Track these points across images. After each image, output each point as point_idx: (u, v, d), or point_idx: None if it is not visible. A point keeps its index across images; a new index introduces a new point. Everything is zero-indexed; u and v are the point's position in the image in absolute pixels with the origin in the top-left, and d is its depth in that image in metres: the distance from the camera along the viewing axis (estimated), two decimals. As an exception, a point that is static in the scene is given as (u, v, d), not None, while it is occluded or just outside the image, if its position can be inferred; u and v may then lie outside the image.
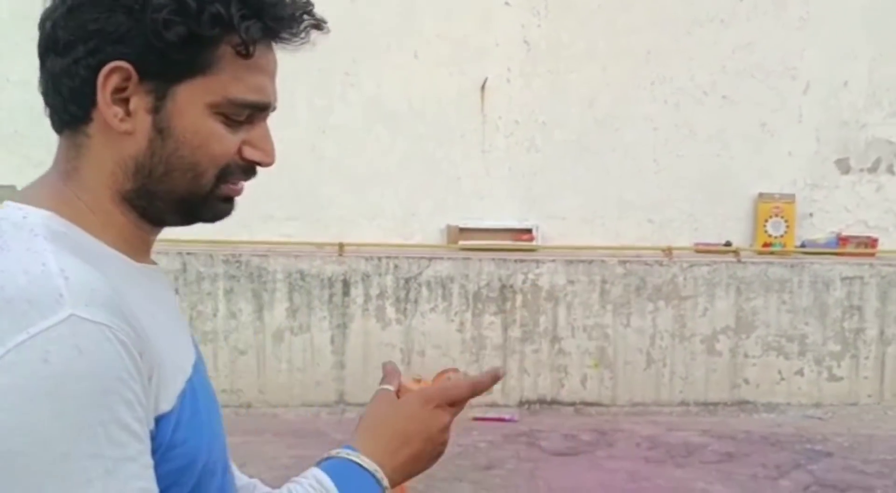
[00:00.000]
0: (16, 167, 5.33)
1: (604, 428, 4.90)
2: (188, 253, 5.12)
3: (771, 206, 5.50)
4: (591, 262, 5.33)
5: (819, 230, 5.63)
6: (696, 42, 5.59)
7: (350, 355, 5.23)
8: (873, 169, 5.68)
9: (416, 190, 5.51)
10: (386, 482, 0.89)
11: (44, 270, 0.69)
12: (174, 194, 0.83)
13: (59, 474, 0.65)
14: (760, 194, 5.54)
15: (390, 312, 5.23)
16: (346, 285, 5.22)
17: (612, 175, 5.56)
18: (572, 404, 5.28)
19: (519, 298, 5.29)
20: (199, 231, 5.09)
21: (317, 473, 0.88)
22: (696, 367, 5.37)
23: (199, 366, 0.87)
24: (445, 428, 0.94)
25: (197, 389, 0.82)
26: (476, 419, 4.91)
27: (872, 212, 5.67)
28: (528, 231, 5.43)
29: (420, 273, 5.24)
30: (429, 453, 0.94)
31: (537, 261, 5.32)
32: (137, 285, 0.80)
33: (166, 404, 0.75)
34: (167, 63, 0.78)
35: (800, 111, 5.64)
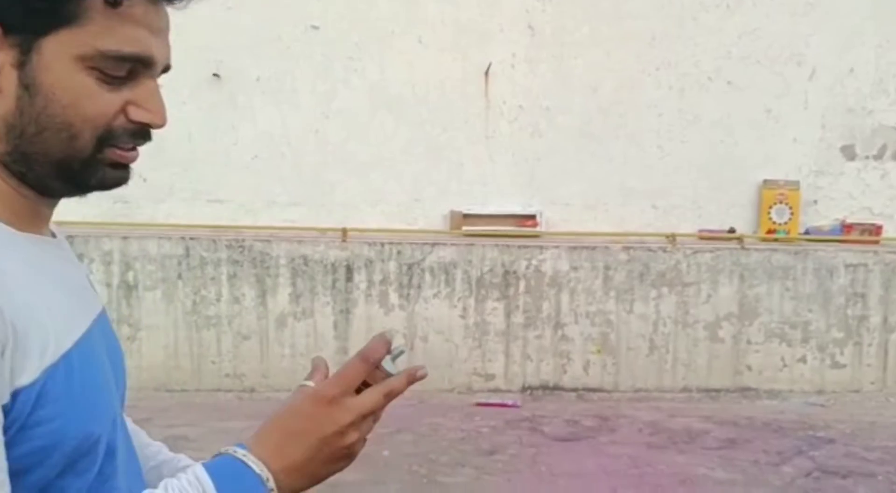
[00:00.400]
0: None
1: (606, 414, 4.91)
2: (191, 238, 5.12)
3: (775, 192, 5.49)
4: (594, 248, 5.32)
5: (823, 217, 5.61)
6: (702, 28, 5.56)
7: (353, 341, 5.24)
8: (879, 156, 5.66)
9: (420, 175, 5.50)
10: (272, 484, 0.80)
11: None
12: (50, 157, 0.78)
13: None
14: (765, 181, 5.52)
15: (393, 297, 5.23)
16: (349, 270, 5.22)
17: (616, 161, 5.54)
18: (575, 389, 5.29)
19: (522, 284, 5.29)
20: (202, 216, 5.08)
21: (197, 469, 0.80)
22: (698, 353, 5.38)
23: (89, 341, 0.81)
24: (343, 430, 0.83)
25: (76, 365, 0.77)
26: (479, 404, 4.92)
27: (877, 199, 5.65)
28: (532, 217, 5.42)
29: (423, 259, 5.24)
30: (327, 455, 0.83)
31: (541, 247, 5.32)
32: (14, 255, 0.77)
33: (26, 378, 0.71)
34: (30, 14, 0.73)
35: (805, 97, 5.61)
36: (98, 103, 0.78)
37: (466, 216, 5.39)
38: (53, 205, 0.87)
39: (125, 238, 5.12)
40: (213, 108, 5.35)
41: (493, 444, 4.22)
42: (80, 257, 5.09)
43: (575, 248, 5.33)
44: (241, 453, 0.81)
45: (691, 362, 5.37)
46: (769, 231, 5.51)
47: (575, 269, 5.31)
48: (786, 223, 5.50)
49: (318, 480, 0.84)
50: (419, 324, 5.25)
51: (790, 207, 5.49)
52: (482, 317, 5.27)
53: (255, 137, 5.36)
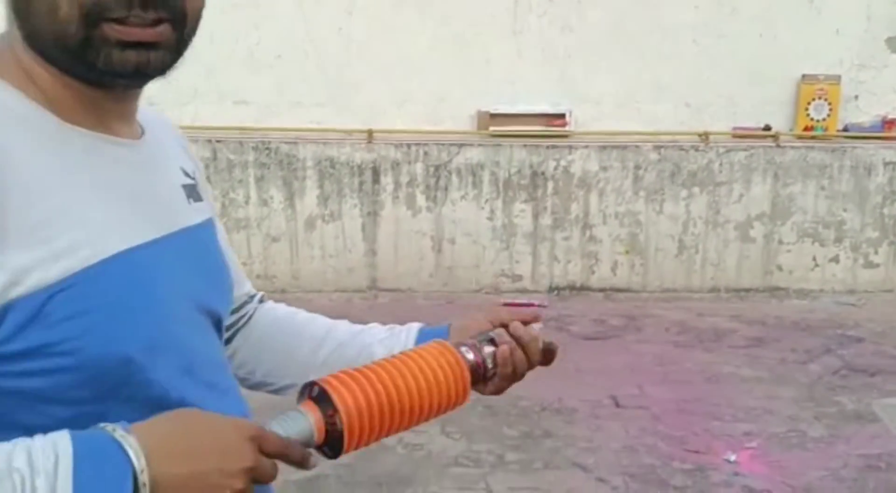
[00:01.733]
0: None
1: (633, 314, 4.93)
2: (218, 140, 5.10)
3: (814, 88, 5.29)
4: (625, 147, 5.22)
5: (864, 113, 5.42)
6: (744, -89, 5.24)
7: (381, 243, 5.27)
8: (926, 48, 5.40)
9: (446, 74, 5.36)
10: (146, 477, 0.62)
11: None
12: (45, 37, 0.70)
13: None
14: (804, 76, 5.31)
15: (420, 199, 5.21)
16: (375, 172, 5.19)
17: (649, 57, 5.35)
18: (602, 290, 5.31)
19: (550, 185, 5.23)
20: (228, 118, 5.05)
21: (60, 437, 0.63)
22: (728, 254, 5.33)
23: (146, 253, 0.74)
24: (242, 471, 0.67)
25: (111, 276, 0.70)
26: (505, 303, 4.97)
27: (922, 94, 5.43)
28: (561, 116, 5.30)
29: (450, 160, 5.18)
30: (210, 483, 0.66)
31: (570, 147, 5.22)
32: (54, 148, 0.71)
33: (20, 286, 0.65)
34: None
35: (851, -14, 5.33)
36: None
37: (494, 116, 5.28)
38: (121, 100, 0.78)
39: (152, 142, 5.11)
40: (234, 7, 5.21)
41: (520, 343, 4.28)
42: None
43: (605, 147, 5.22)
44: (124, 433, 0.64)
45: (721, 262, 5.34)
46: (806, 128, 5.34)
47: (604, 169, 5.22)
48: (824, 120, 5.32)
49: None
50: (446, 226, 5.25)
51: (829, 103, 5.30)
52: (510, 219, 5.25)
53: (277, 37, 5.23)
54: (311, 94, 5.32)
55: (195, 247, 0.84)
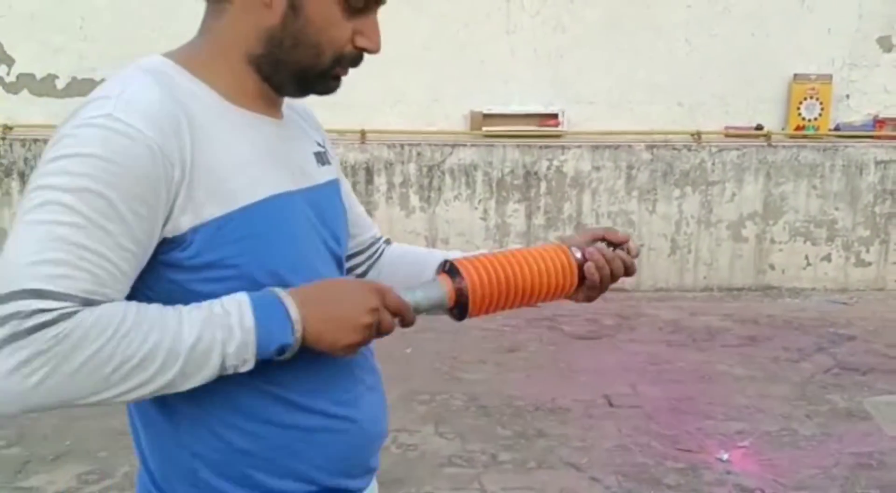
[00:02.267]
0: (35, 53, 5.28)
1: (626, 313, 4.94)
2: (210, 141, 5.09)
3: (806, 87, 5.31)
4: (617, 147, 5.23)
5: (855, 112, 5.45)
6: (735, -89, 5.26)
7: (375, 243, 5.27)
8: (917, 47, 5.43)
9: (440, 74, 5.37)
10: (296, 318, 0.91)
11: (115, 86, 0.91)
12: (297, 65, 0.99)
13: (48, 211, 0.82)
14: (795, 75, 5.33)
15: (414, 200, 5.22)
16: (368, 172, 5.19)
17: (642, 56, 5.36)
18: (596, 289, 5.31)
19: (543, 184, 5.24)
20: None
21: (241, 295, 0.91)
22: (721, 253, 5.35)
23: (283, 203, 0.98)
24: (366, 311, 0.95)
25: (256, 221, 0.94)
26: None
27: (913, 93, 5.46)
28: (554, 116, 5.31)
29: (443, 160, 5.18)
30: (346, 321, 0.94)
31: (563, 147, 5.23)
32: (223, 121, 0.96)
33: (197, 218, 0.90)
34: None
35: (842, -15, 5.35)
36: (340, 30, 0.98)
37: (487, 116, 5.29)
38: (283, 97, 1.06)
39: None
40: (227, 6, 5.21)
41: (513, 342, 4.29)
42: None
43: (597, 147, 5.24)
44: (278, 290, 0.92)
45: (713, 261, 5.36)
46: (798, 127, 5.37)
47: (597, 168, 5.24)
48: (815, 119, 5.35)
49: (326, 339, 0.94)
50: (440, 226, 5.25)
51: (821, 103, 5.32)
52: (503, 219, 5.26)
53: (270, 37, 5.24)
54: (303, 94, 5.32)
55: (322, 200, 1.08)
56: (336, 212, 1.13)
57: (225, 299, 0.90)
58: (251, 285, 0.93)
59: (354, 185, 5.20)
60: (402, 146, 5.17)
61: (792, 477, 3.00)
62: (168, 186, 0.88)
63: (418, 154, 5.18)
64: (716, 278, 5.38)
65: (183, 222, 0.89)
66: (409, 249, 1.33)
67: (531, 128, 5.31)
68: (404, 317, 1.00)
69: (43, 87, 5.26)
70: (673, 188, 5.26)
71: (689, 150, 5.24)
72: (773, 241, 5.35)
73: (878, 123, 5.35)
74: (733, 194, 5.27)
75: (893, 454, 3.19)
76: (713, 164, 5.25)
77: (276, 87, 1.02)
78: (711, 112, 5.41)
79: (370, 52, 1.01)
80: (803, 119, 5.35)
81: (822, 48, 5.37)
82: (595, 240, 1.21)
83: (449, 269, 1.06)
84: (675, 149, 5.24)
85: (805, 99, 5.32)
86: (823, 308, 5.10)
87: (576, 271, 1.13)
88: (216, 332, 0.87)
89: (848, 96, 5.42)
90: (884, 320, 4.87)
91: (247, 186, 0.94)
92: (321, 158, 1.14)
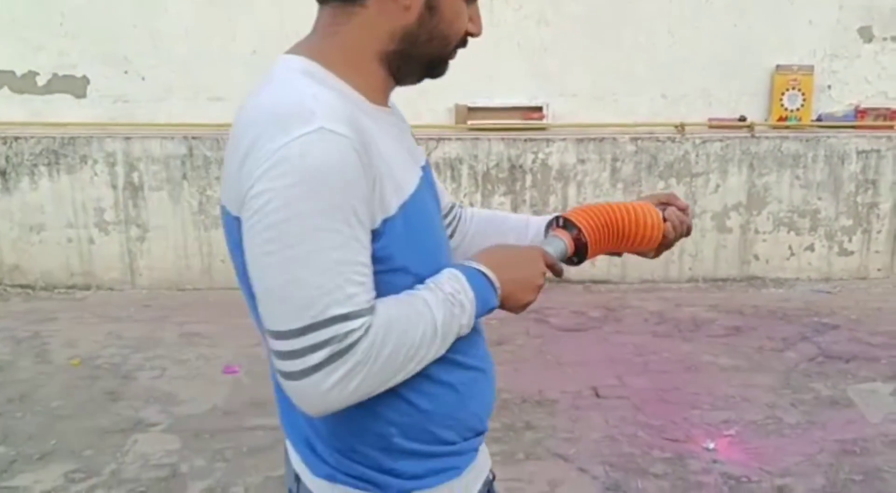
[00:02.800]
0: (15, 51, 5.22)
1: (612, 305, 4.97)
2: (194, 137, 5.06)
3: (788, 78, 5.34)
4: (601, 140, 5.25)
5: (837, 103, 5.48)
6: None
7: (361, 237, 5.26)
8: (897, 38, 5.47)
9: (423, 68, 5.35)
10: (498, 284, 1.08)
11: (301, 95, 0.95)
12: (427, 58, 1.09)
13: (311, 240, 0.89)
14: (778, 66, 5.36)
15: (400, 193, 5.21)
16: (354, 167, 5.17)
17: (626, 49, 5.38)
18: (581, 281, 5.34)
19: (528, 177, 5.25)
20: (203, 115, 4.99)
21: (456, 272, 1.06)
22: (706, 244, 5.38)
23: (420, 189, 1.09)
24: (540, 274, 1.14)
25: (416, 205, 1.05)
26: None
27: (893, 82, 5.49)
28: (539, 109, 5.32)
29: (429, 154, 5.18)
30: (527, 282, 1.12)
31: (547, 140, 5.24)
32: (370, 118, 1.02)
33: (389, 212, 0.99)
34: None
35: (823, -23, 5.38)
36: (463, 20, 1.08)
37: (472, 110, 5.28)
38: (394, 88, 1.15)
39: (128, 139, 5.06)
40: (210, 2, 5.17)
41: (500, 335, 4.30)
42: (84, 158, 5.06)
43: (582, 140, 5.25)
44: (471, 261, 1.09)
45: (698, 252, 5.39)
46: (780, 118, 5.40)
47: (582, 161, 5.25)
48: (798, 110, 5.38)
49: (512, 300, 1.12)
50: (426, 220, 5.24)
51: (803, 93, 5.35)
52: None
53: (253, 31, 5.20)
54: (287, 89, 5.29)
55: (430, 178, 1.21)
56: (436, 189, 1.26)
57: (445, 277, 1.04)
58: (407, 273, 1.03)
59: (340, 180, 5.18)
60: (386, 141, 5.16)
61: (777, 465, 3.04)
62: (370, 185, 0.95)
63: (403, 148, 5.17)
64: (701, 269, 5.41)
65: (378, 217, 0.98)
66: (490, 213, 1.46)
67: (516, 121, 5.31)
68: (557, 272, 1.19)
69: (23, 84, 5.21)
70: (657, 180, 5.28)
71: (673, 141, 5.27)
72: (757, 231, 5.38)
73: (860, 113, 5.39)
74: (717, 185, 5.30)
75: (876, 440, 3.23)
76: (697, 155, 5.27)
77: (400, 78, 1.11)
78: (695, 104, 5.43)
79: (476, 36, 1.13)
80: (786, 110, 5.38)
81: (803, 39, 5.40)
82: (661, 204, 1.37)
83: (563, 224, 1.26)
84: (658, 141, 5.26)
85: (787, 90, 5.35)
86: (807, 298, 5.15)
87: (662, 228, 1.32)
88: (454, 309, 1.02)
89: (830, 87, 5.46)
90: (867, 308, 4.92)
91: (402, 180, 1.04)
92: (413, 137, 1.24)
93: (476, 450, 1.22)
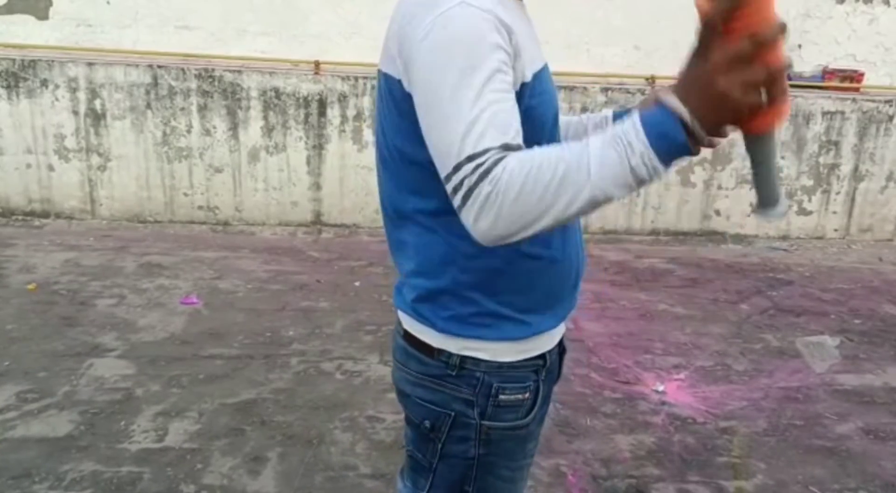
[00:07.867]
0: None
1: (575, 253, 5.01)
2: (159, 66, 4.95)
3: (760, 36, 5.35)
4: (572, 88, 5.23)
5: (806, 63, 5.52)
6: None
7: (326, 177, 5.22)
8: (869, 0, 5.49)
9: (396, 7, 5.27)
10: (687, 117, 0.95)
11: None
12: None
13: (457, 99, 1.01)
14: (751, 24, 5.36)
15: (367, 134, 5.17)
16: (322, 105, 5.11)
17: (601, -2, 5.34)
18: (546, 230, 5.36)
19: (498, 123, 5.22)
20: (170, 43, 4.88)
21: (633, 115, 1.01)
22: (669, 197, 5.44)
23: (547, 73, 1.21)
24: (713, 77, 0.97)
25: (544, 78, 1.18)
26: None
27: (862, 45, 5.54)
28: (511, 55, 5.27)
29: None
30: (709, 102, 0.96)
31: (518, 86, 5.21)
32: (511, 9, 1.12)
33: (526, 78, 1.11)
34: None
35: (801, -65, 5.36)
36: None
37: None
38: None
39: (90, 64, 4.93)
40: (177, -74, 5.01)
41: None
42: (45, 82, 4.92)
43: (553, 88, 5.23)
44: (664, 98, 0.99)
45: (661, 205, 5.44)
46: (750, 76, 5.42)
47: (552, 109, 5.24)
48: (768, 68, 5.40)
49: (714, 121, 0.96)
50: (393, 161, 5.21)
51: (774, 52, 5.37)
52: (457, 156, 5.24)
53: (222, -40, 5.07)
54: (257, 22, 5.19)
55: (547, 70, 1.25)
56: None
57: (618, 123, 1.01)
58: (541, 126, 1.17)
59: (307, 117, 5.13)
60: (356, 79, 5.09)
61: (722, 408, 3.13)
62: (510, 52, 1.05)
63: (373, 88, 5.11)
64: (663, 222, 5.47)
65: (518, 81, 1.09)
66: (565, 119, 1.53)
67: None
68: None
69: (-18, 2, 5.04)
70: (625, 132, 5.29)
71: (643, 94, 5.27)
72: (719, 187, 5.44)
73: (828, 74, 5.44)
74: (684, 140, 5.33)
75: (819, 389, 3.34)
76: (666, 109, 5.28)
77: None
78: (667, 57, 5.43)
79: None
80: (756, 68, 5.40)
81: (778, -3, 5.39)
82: None
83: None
84: (629, 92, 5.26)
85: (759, 47, 5.36)
86: (765, 254, 5.24)
87: None
88: (617, 147, 0.97)
89: (800, 46, 5.49)
90: (821, 266, 5.03)
91: (535, 56, 1.15)
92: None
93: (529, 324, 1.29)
